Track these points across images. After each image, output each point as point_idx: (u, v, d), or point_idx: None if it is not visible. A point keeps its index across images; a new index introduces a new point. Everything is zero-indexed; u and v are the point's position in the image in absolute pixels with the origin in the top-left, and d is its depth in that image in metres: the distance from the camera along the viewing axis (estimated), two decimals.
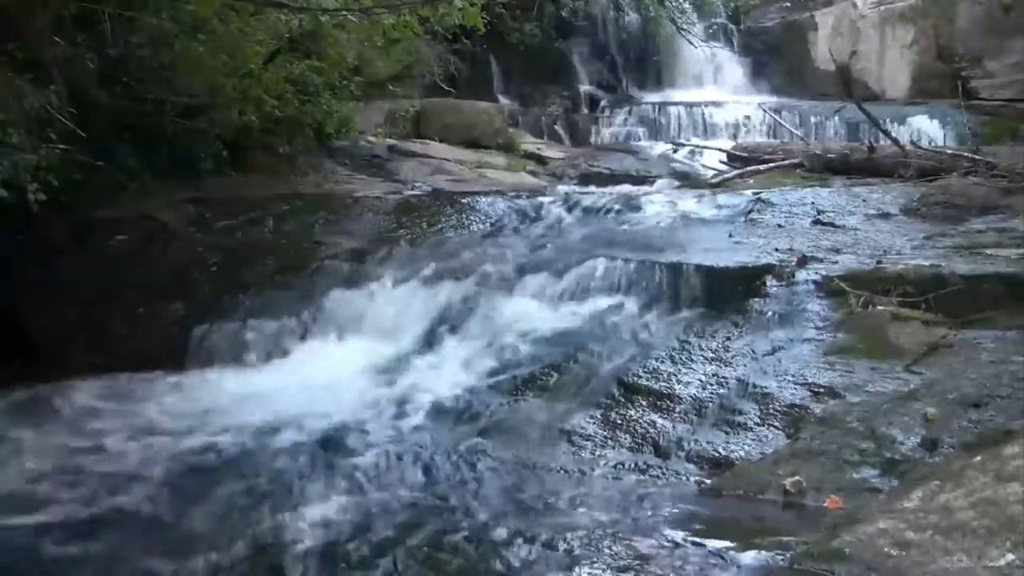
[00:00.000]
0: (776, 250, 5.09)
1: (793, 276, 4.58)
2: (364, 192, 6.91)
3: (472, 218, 6.28)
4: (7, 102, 4.86)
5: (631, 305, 4.79)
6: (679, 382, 3.94)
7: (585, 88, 12.10)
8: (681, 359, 4.11)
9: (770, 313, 4.38)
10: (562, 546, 2.76)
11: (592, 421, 3.79)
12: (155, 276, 5.55)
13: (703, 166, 9.36)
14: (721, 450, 3.48)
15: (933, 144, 8.20)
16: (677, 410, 3.77)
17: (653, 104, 11.54)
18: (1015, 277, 4.32)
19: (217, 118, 6.61)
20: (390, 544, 2.89)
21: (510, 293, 5.05)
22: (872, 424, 3.25)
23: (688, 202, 6.46)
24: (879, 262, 4.70)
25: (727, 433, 3.57)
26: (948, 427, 3.16)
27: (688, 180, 8.47)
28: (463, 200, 6.58)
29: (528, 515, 3.10)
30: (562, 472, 3.50)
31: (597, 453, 3.62)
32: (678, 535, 2.78)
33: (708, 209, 6.25)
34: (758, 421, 3.58)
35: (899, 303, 4.23)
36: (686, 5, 13.16)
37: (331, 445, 3.80)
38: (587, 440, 3.69)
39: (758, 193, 6.49)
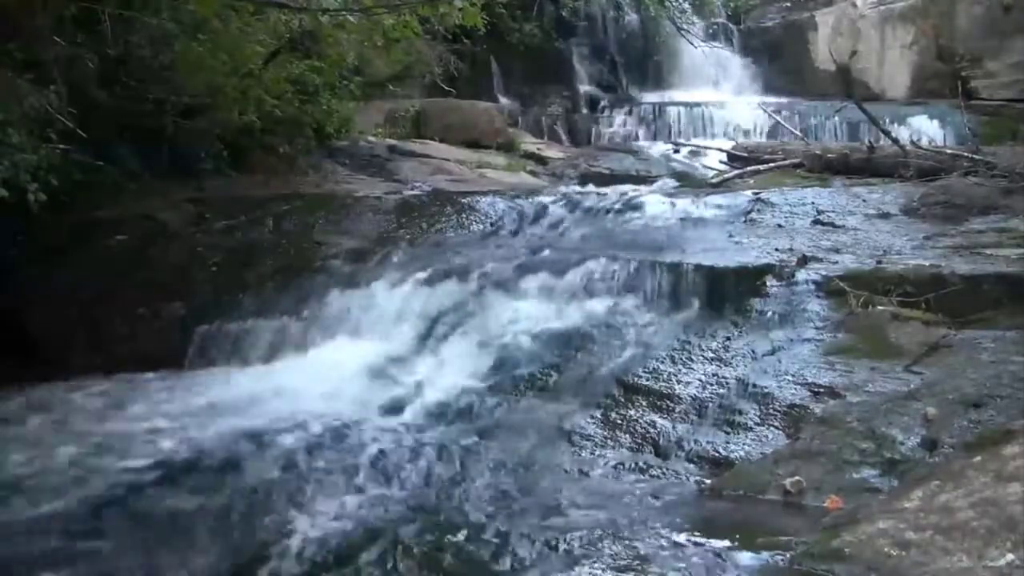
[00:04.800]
0: (776, 250, 5.08)
1: (793, 276, 4.58)
2: (364, 192, 6.91)
3: (472, 218, 6.28)
4: (7, 102, 4.86)
5: (631, 305, 4.79)
6: (679, 382, 3.94)
7: (585, 88, 12.10)
8: (681, 359, 4.11)
9: (770, 313, 4.38)
10: (562, 546, 2.76)
11: (592, 421, 3.79)
12: (155, 276, 5.55)
13: (703, 166, 9.36)
14: (721, 450, 3.48)
15: (933, 144, 8.19)
16: (677, 410, 3.77)
17: (653, 104, 11.55)
18: (1015, 277, 4.32)
19: (217, 118, 6.62)
20: (390, 544, 2.89)
21: (510, 293, 5.04)
22: (872, 424, 3.25)
23: (688, 202, 6.46)
24: (879, 262, 4.70)
25: (727, 433, 3.57)
26: (948, 427, 3.16)
27: (688, 180, 8.48)
28: (463, 200, 6.57)
29: (528, 515, 3.10)
30: (562, 472, 3.49)
31: (597, 453, 3.62)
32: (678, 535, 2.78)
33: (708, 209, 6.25)
34: (758, 421, 3.58)
35: (899, 303, 4.23)
36: (686, 5, 13.17)
37: (331, 445, 3.80)
38: (587, 440, 3.69)
39: (758, 193, 6.49)
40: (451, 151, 9.09)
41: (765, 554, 2.53)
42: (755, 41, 13.35)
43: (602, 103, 11.88)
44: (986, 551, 2.07)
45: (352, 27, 7.15)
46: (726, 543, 2.67)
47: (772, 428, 3.53)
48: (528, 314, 4.84)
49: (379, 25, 7.31)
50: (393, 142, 8.93)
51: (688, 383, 3.92)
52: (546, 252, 5.58)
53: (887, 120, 8.97)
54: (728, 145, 9.63)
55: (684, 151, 10.11)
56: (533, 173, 9.02)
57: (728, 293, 4.65)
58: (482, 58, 11.30)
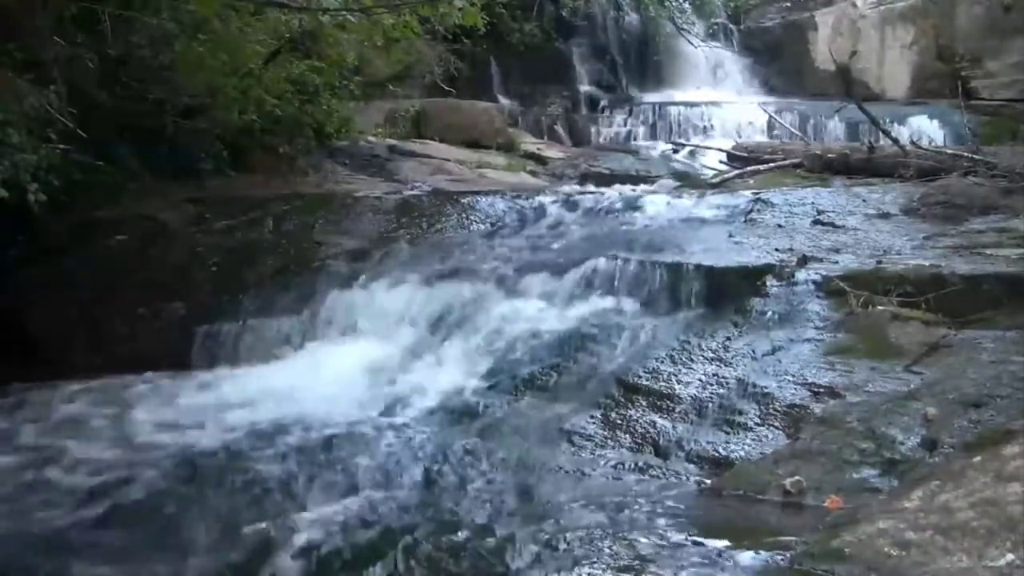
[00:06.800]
0: (776, 250, 5.08)
1: (793, 276, 4.58)
2: (364, 192, 6.91)
3: (472, 218, 6.28)
4: (7, 102, 4.86)
5: (631, 305, 4.79)
6: (679, 382, 3.94)
7: (585, 88, 12.10)
8: (681, 359, 4.11)
9: (770, 313, 4.38)
10: (562, 546, 2.76)
11: (592, 421, 3.79)
12: (155, 276, 5.55)
13: (703, 166, 9.37)
14: (721, 450, 3.48)
15: (933, 144, 8.19)
16: (677, 410, 3.76)
17: (653, 104, 11.54)
18: (1015, 277, 4.32)
19: (217, 118, 6.62)
20: (390, 544, 2.89)
21: (510, 293, 5.05)
22: (872, 424, 3.25)
23: (688, 202, 6.46)
24: (879, 262, 4.70)
25: (727, 433, 3.56)
26: (948, 427, 3.15)
27: (688, 180, 8.48)
28: (463, 200, 6.58)
29: (528, 515, 3.09)
30: (562, 472, 3.49)
31: (597, 453, 3.62)
32: (678, 535, 2.78)
33: (708, 209, 6.25)
34: (758, 421, 3.58)
35: (899, 303, 4.23)
36: (686, 5, 13.17)
37: (331, 445, 3.80)
38: (587, 440, 3.69)
39: (758, 193, 6.49)
40: (451, 151, 9.09)
41: (765, 554, 2.53)
42: (755, 41, 13.35)
43: (602, 103, 11.88)
44: (986, 551, 2.07)
45: (352, 27, 7.16)
46: (726, 543, 2.67)
47: (772, 428, 3.53)
48: (528, 314, 4.85)
49: (379, 25, 7.32)
50: (393, 142, 8.93)
51: (688, 383, 3.92)
52: (546, 252, 5.58)
53: (887, 120, 8.96)
54: (728, 145, 9.63)
55: (684, 151, 10.12)
56: (533, 173, 9.02)
57: (728, 293, 4.64)
58: (482, 58, 11.29)
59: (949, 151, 7.56)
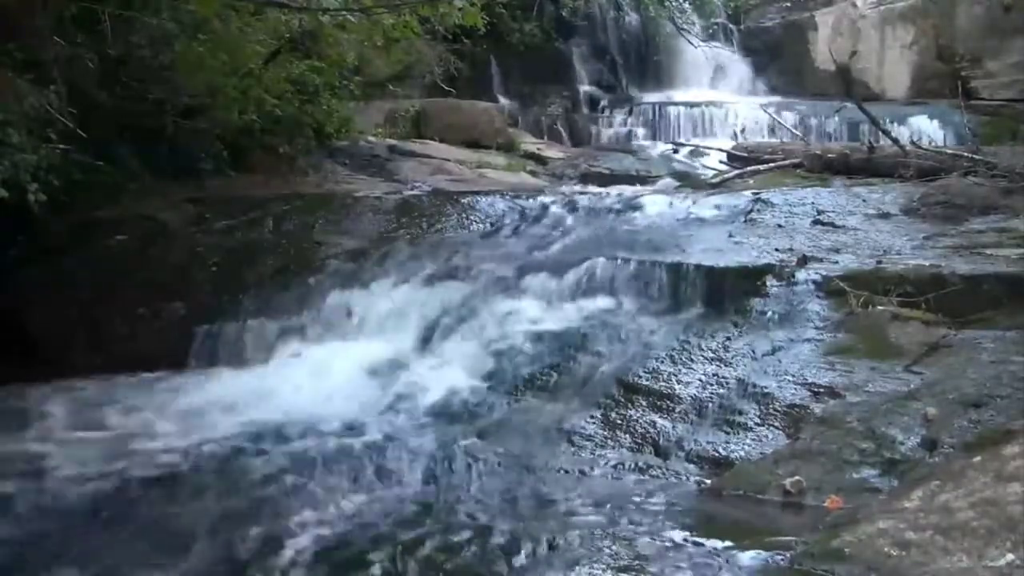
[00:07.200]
0: (776, 250, 5.09)
1: (793, 276, 4.58)
2: (364, 192, 6.91)
3: (472, 218, 6.28)
4: (7, 102, 4.86)
5: (631, 305, 4.79)
6: (679, 382, 3.94)
7: (585, 88, 12.10)
8: (681, 359, 4.11)
9: (770, 313, 4.38)
10: (562, 546, 2.76)
11: (592, 421, 3.79)
12: (155, 276, 5.55)
13: (703, 166, 9.37)
14: (721, 450, 3.48)
15: (933, 144, 8.19)
16: (677, 410, 3.77)
17: (653, 104, 11.54)
18: (1015, 277, 4.32)
19: (217, 118, 6.62)
20: (390, 544, 2.89)
21: (510, 293, 5.04)
22: (872, 424, 3.25)
23: (688, 202, 6.46)
24: (879, 262, 4.70)
25: (727, 433, 3.57)
26: (948, 427, 3.16)
27: (688, 180, 8.48)
28: (463, 200, 6.58)
29: (528, 515, 3.10)
30: (562, 472, 3.50)
31: (597, 453, 3.62)
32: (678, 535, 2.78)
33: (708, 209, 6.25)
34: (758, 421, 3.58)
35: (899, 303, 4.23)
36: (686, 5, 13.16)
37: (331, 445, 3.80)
38: (587, 440, 3.69)
39: (758, 193, 6.49)
40: (451, 151, 9.09)
41: (765, 554, 2.53)
42: (755, 41, 13.34)
43: (602, 103, 11.88)
44: (986, 551, 2.07)
45: (352, 27, 7.16)
46: (726, 543, 2.67)
47: (772, 428, 3.54)
48: (528, 314, 4.85)
49: (379, 25, 7.31)
50: (393, 142, 8.93)
51: (688, 383, 3.92)
52: (546, 252, 5.59)
53: (887, 120, 8.96)
54: (728, 145, 9.63)
55: (684, 151, 10.12)
56: (533, 173, 9.02)
57: (728, 293, 4.65)
58: (482, 58, 11.29)
59: (949, 151, 7.57)
